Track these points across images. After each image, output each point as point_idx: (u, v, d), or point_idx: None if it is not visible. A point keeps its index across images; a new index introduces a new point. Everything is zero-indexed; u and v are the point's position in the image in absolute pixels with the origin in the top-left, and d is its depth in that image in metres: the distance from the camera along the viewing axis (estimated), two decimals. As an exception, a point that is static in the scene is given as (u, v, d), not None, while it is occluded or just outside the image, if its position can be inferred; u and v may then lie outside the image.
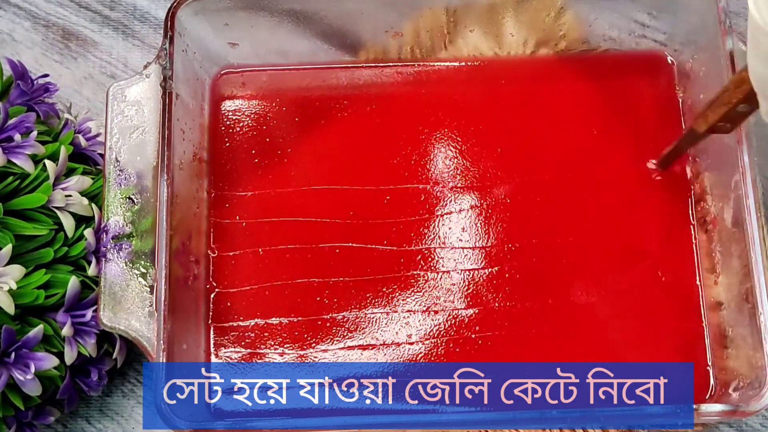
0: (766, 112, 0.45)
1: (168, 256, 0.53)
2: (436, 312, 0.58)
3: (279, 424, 0.51)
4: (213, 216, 0.60)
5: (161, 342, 0.51)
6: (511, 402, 0.56)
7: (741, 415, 0.50)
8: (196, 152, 0.59)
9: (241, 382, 0.57)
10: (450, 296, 0.58)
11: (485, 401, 0.56)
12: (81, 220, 0.54)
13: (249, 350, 0.58)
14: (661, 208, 0.59)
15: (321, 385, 0.57)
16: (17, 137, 0.53)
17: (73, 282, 0.52)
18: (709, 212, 0.58)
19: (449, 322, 0.58)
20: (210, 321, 0.58)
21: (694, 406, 0.50)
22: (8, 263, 0.51)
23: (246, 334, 0.58)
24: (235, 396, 0.57)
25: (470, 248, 0.59)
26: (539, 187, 0.60)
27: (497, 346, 0.57)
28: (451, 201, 0.60)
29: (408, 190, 0.60)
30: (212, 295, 0.59)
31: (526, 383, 0.56)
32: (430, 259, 0.59)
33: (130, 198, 0.54)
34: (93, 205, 0.55)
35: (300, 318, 0.58)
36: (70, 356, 0.52)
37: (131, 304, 0.52)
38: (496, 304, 0.58)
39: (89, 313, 0.53)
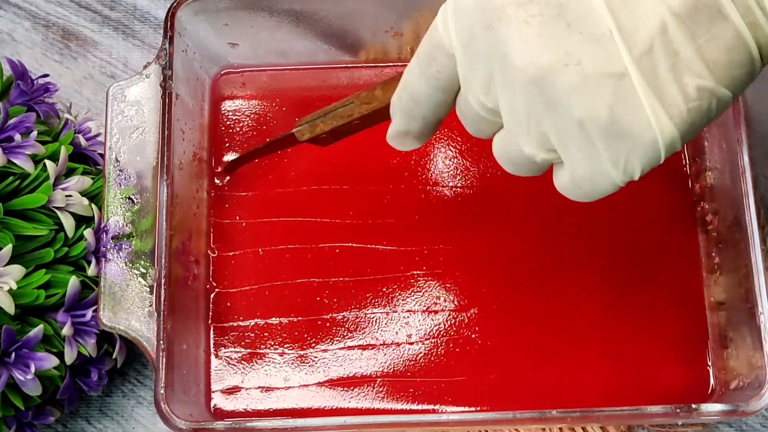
0: (398, 130, 0.46)
1: (168, 256, 0.53)
2: (436, 312, 0.58)
3: (279, 424, 0.51)
4: (213, 216, 0.60)
5: (161, 342, 0.51)
6: (511, 402, 0.56)
7: (741, 415, 0.50)
8: (196, 152, 0.59)
9: (241, 382, 0.57)
10: (450, 296, 0.58)
11: (485, 401, 0.56)
12: (81, 220, 0.54)
13: (249, 350, 0.58)
14: (661, 208, 0.59)
15: (321, 385, 0.57)
16: (17, 137, 0.53)
17: (73, 282, 0.52)
18: (709, 212, 0.58)
19: (449, 322, 0.58)
20: (210, 321, 0.58)
21: (694, 406, 0.50)
22: (8, 263, 0.51)
23: (246, 334, 0.58)
24: (235, 396, 0.57)
25: (470, 248, 0.59)
26: (539, 187, 0.60)
27: (497, 346, 0.57)
28: (451, 201, 0.60)
29: (408, 190, 0.60)
30: (212, 295, 0.59)
31: (526, 383, 0.56)
32: (430, 259, 0.59)
33: (130, 198, 0.54)
34: (93, 205, 0.55)
35: (300, 318, 0.58)
36: (70, 356, 0.52)
37: (131, 304, 0.52)
38: (496, 304, 0.58)
39: (89, 313, 0.53)
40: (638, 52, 0.36)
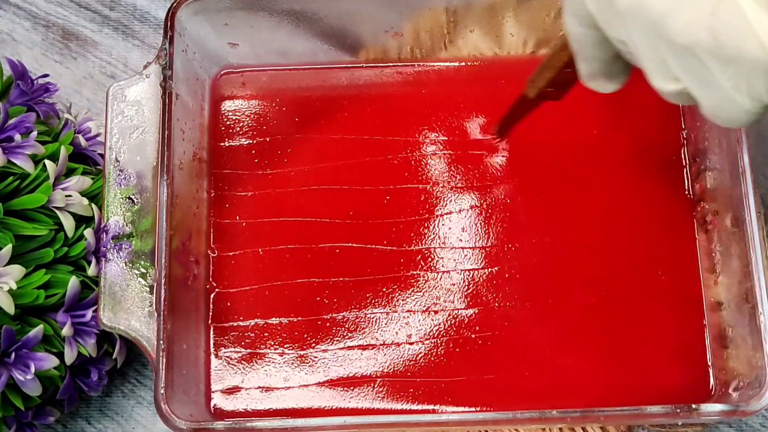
0: (585, 74, 0.45)
1: (168, 256, 0.53)
2: (436, 312, 0.58)
3: (279, 424, 0.51)
4: (213, 216, 0.60)
5: (161, 342, 0.51)
6: (511, 402, 0.56)
7: (741, 415, 0.50)
8: (196, 152, 0.59)
9: (241, 382, 0.57)
10: (450, 296, 0.58)
11: (485, 401, 0.56)
12: (81, 220, 0.54)
13: (249, 350, 0.58)
14: (661, 208, 0.59)
15: (321, 385, 0.57)
16: (17, 137, 0.53)
17: (73, 282, 0.52)
18: (709, 212, 0.58)
19: (449, 322, 0.58)
20: (210, 321, 0.58)
21: (694, 406, 0.50)
22: (8, 263, 0.51)
23: (246, 334, 0.58)
24: (235, 396, 0.57)
25: (470, 248, 0.59)
26: (539, 187, 0.60)
27: (497, 346, 0.57)
28: (451, 201, 0.60)
29: (408, 190, 0.60)
30: (212, 295, 0.59)
31: (526, 383, 0.56)
32: (430, 259, 0.59)
33: (130, 198, 0.54)
34: (93, 205, 0.55)
35: (300, 318, 0.58)
36: (70, 356, 0.52)
37: (131, 304, 0.52)
38: (496, 304, 0.58)
39: (89, 313, 0.53)
40: None
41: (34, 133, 0.54)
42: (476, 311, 0.58)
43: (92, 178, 0.56)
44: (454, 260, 0.59)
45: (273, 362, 0.57)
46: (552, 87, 0.50)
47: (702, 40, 0.33)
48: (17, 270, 0.51)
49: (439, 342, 0.57)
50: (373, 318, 0.58)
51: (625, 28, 0.37)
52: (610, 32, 0.39)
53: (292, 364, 0.57)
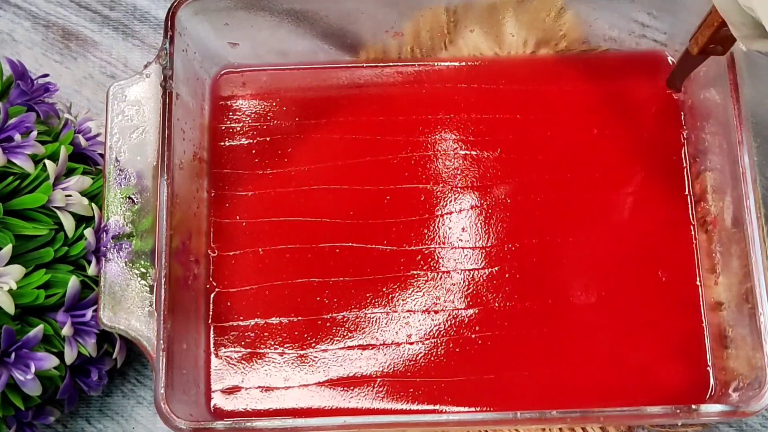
0: (739, 38, 0.47)
1: (168, 256, 0.53)
2: (436, 312, 0.58)
3: (279, 424, 0.51)
4: (213, 216, 0.60)
5: (161, 342, 0.51)
6: (511, 402, 0.56)
7: (741, 415, 0.50)
8: (196, 152, 0.59)
9: (241, 382, 0.57)
10: (450, 296, 0.58)
11: (485, 401, 0.56)
12: (81, 220, 0.54)
13: (249, 350, 0.58)
14: (661, 208, 0.59)
15: (321, 385, 0.57)
16: (17, 137, 0.53)
17: (73, 282, 0.52)
18: (709, 212, 0.58)
19: (449, 322, 0.58)
20: (210, 321, 0.58)
21: (694, 406, 0.50)
22: (8, 263, 0.51)
23: (246, 333, 0.58)
24: (235, 396, 0.57)
25: (470, 248, 0.59)
26: (539, 187, 0.60)
27: (497, 346, 0.57)
28: (451, 201, 0.60)
29: (408, 190, 0.60)
30: (212, 295, 0.59)
31: (526, 383, 0.56)
32: (430, 259, 0.59)
33: (130, 198, 0.54)
34: (93, 205, 0.55)
35: (300, 318, 0.58)
36: (70, 356, 0.52)
37: (131, 303, 0.52)
38: (496, 304, 0.58)
39: (89, 313, 0.53)
40: None
41: (34, 133, 0.54)
42: (476, 311, 0.58)
43: (92, 178, 0.56)
44: (454, 260, 0.59)
45: (273, 362, 0.57)
46: (713, 44, 0.52)
47: None
48: (17, 270, 0.51)
49: (439, 342, 0.57)
50: (373, 318, 0.58)
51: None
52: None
53: (292, 363, 0.57)
